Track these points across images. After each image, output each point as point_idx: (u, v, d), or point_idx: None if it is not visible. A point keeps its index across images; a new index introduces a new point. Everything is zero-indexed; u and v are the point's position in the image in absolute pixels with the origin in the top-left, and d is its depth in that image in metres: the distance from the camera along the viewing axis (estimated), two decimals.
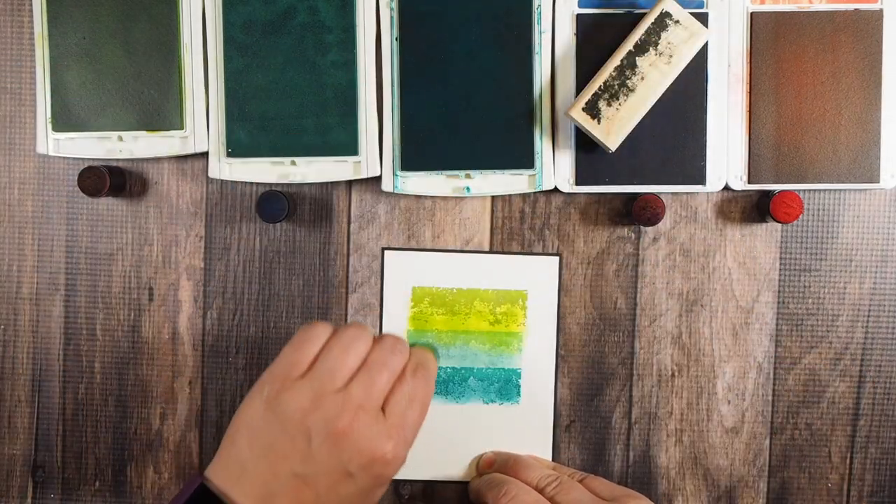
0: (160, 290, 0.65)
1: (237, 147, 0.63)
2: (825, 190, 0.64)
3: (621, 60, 0.59)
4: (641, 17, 0.61)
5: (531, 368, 0.65)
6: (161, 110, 0.63)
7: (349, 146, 0.62)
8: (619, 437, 0.65)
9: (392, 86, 0.62)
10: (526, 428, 0.65)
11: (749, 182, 0.62)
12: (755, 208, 0.64)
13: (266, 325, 0.65)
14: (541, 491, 0.60)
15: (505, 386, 0.65)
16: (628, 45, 0.59)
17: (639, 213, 0.60)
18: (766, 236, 0.64)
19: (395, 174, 0.63)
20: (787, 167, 0.62)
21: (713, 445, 0.65)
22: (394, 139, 0.62)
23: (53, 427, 0.66)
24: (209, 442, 0.65)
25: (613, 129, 0.59)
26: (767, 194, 0.62)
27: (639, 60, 0.59)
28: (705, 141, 0.62)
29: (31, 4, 0.64)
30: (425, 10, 0.62)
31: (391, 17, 0.62)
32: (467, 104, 0.62)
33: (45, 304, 0.65)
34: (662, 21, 0.58)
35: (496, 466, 0.64)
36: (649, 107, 0.60)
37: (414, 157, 0.62)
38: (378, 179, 0.63)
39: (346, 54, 0.62)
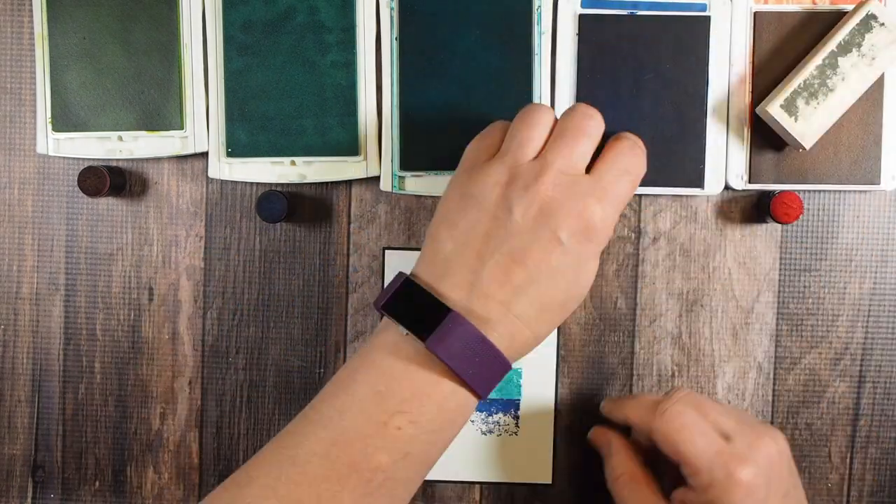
0: (160, 290, 0.65)
1: (237, 147, 0.63)
2: (825, 191, 0.64)
3: (823, 60, 0.58)
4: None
5: (532, 368, 0.65)
6: (161, 110, 0.63)
7: (349, 146, 0.62)
8: None
9: (392, 86, 0.62)
10: (526, 428, 0.65)
11: (750, 182, 0.62)
12: (755, 208, 0.64)
13: (266, 325, 0.65)
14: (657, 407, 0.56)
15: (506, 385, 0.65)
16: (831, 45, 0.59)
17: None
18: (766, 236, 0.64)
19: (394, 174, 0.63)
20: (788, 167, 0.62)
21: None
22: (393, 139, 0.62)
23: (53, 427, 0.66)
24: (209, 442, 0.65)
25: (810, 129, 0.58)
26: (768, 194, 0.62)
27: (841, 61, 0.58)
28: (704, 144, 0.62)
29: (31, 4, 0.64)
30: (425, 10, 0.62)
31: (391, 17, 0.62)
32: (467, 104, 0.62)
33: (45, 304, 0.65)
34: (868, 23, 0.58)
35: (609, 407, 0.61)
36: (847, 108, 0.59)
37: (413, 156, 0.62)
38: (378, 179, 0.63)
39: (346, 54, 0.62)
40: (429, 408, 0.50)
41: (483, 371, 0.50)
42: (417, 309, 0.50)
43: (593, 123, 0.52)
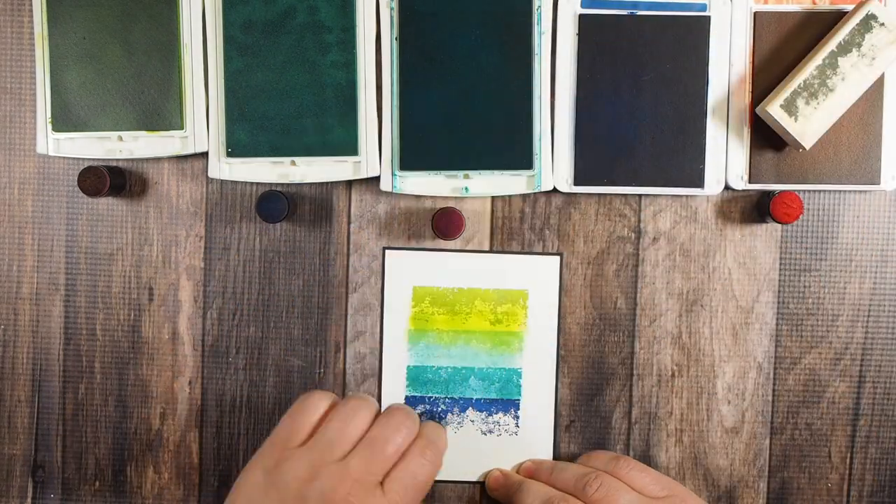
0: (160, 290, 0.65)
1: (237, 147, 0.63)
2: (825, 191, 0.64)
3: (823, 60, 0.59)
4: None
5: (532, 368, 0.65)
6: (161, 110, 0.63)
7: (349, 146, 0.62)
8: (619, 437, 0.65)
9: (392, 86, 0.62)
10: (526, 428, 0.65)
11: (750, 182, 0.63)
12: (755, 208, 0.64)
13: (266, 325, 0.65)
14: (582, 492, 0.59)
15: (506, 385, 0.65)
16: (831, 45, 0.59)
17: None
18: (766, 236, 0.64)
19: (393, 174, 0.63)
20: (788, 167, 0.62)
21: (713, 445, 0.65)
22: (393, 139, 0.62)
23: (53, 427, 0.66)
24: (209, 442, 0.65)
25: (810, 128, 0.59)
26: (768, 194, 0.62)
27: (841, 61, 0.58)
28: (704, 144, 0.62)
29: (31, 4, 0.64)
30: (425, 10, 0.62)
31: (391, 17, 0.62)
32: (467, 104, 0.62)
33: (45, 304, 0.65)
34: (868, 23, 0.58)
35: (526, 473, 0.64)
36: (847, 108, 0.59)
37: (413, 156, 0.62)
38: (378, 179, 0.63)
39: (346, 54, 0.62)
40: None
41: None
42: None
43: (403, 434, 0.56)
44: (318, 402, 0.57)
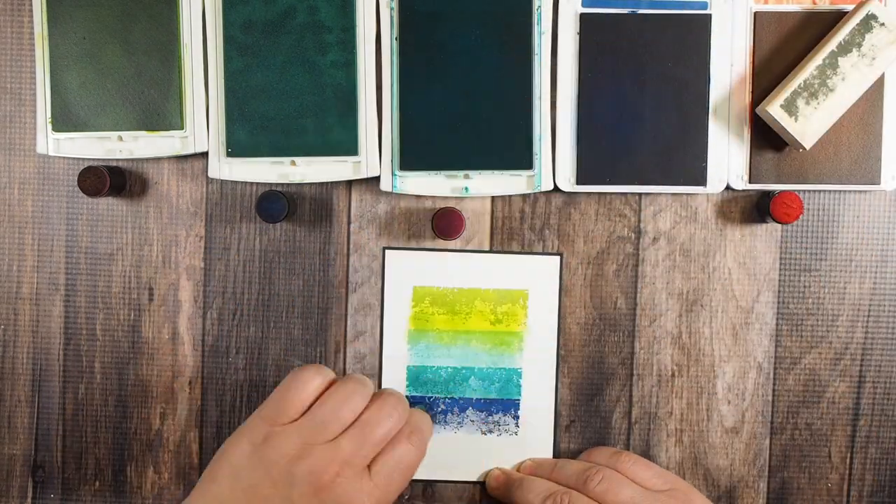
0: (160, 290, 0.65)
1: (237, 147, 0.63)
2: (825, 191, 0.64)
3: (823, 60, 0.59)
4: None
5: (532, 368, 0.65)
6: (161, 110, 0.63)
7: (349, 146, 0.62)
8: (619, 437, 0.65)
9: (392, 86, 0.62)
10: (526, 428, 0.65)
11: (750, 182, 0.63)
12: (755, 208, 0.64)
13: (266, 325, 0.65)
14: (584, 486, 0.60)
15: (506, 385, 0.65)
16: (831, 45, 0.59)
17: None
18: (766, 236, 0.64)
19: (393, 174, 0.63)
20: (788, 167, 0.62)
21: (713, 445, 0.65)
22: (393, 139, 0.62)
23: (53, 427, 0.66)
24: (209, 442, 0.65)
25: (810, 128, 0.59)
26: (768, 194, 0.62)
27: (841, 61, 0.58)
28: (707, 142, 0.62)
29: (31, 4, 0.64)
30: (425, 10, 0.62)
31: (391, 17, 0.62)
32: (467, 104, 0.62)
33: (45, 304, 0.65)
34: (868, 23, 0.58)
35: (527, 472, 0.64)
36: (847, 108, 0.59)
37: (413, 156, 0.62)
38: (378, 179, 0.63)
39: (346, 54, 0.62)
40: None
41: None
42: None
43: (395, 419, 0.56)
44: (311, 379, 0.56)
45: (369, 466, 0.55)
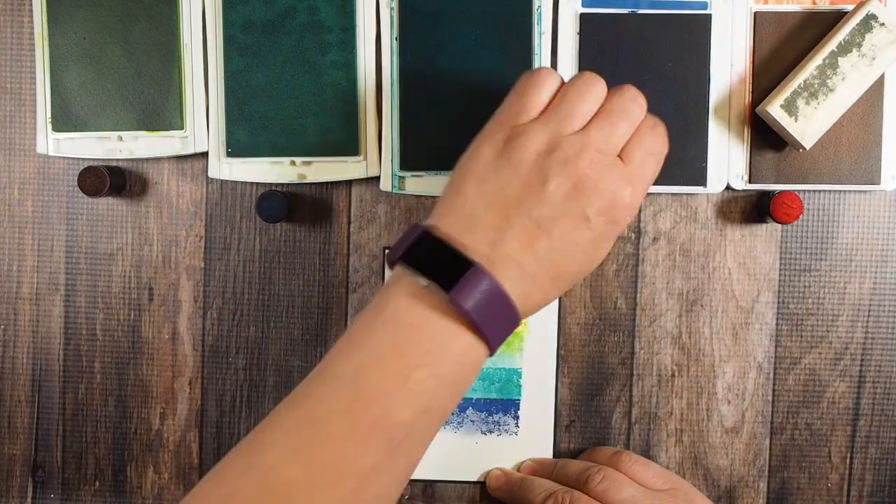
0: (160, 290, 0.65)
1: (237, 147, 0.63)
2: (825, 191, 0.64)
3: (823, 60, 0.59)
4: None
5: (532, 368, 0.65)
6: (161, 110, 0.63)
7: (349, 146, 0.62)
8: (619, 437, 0.65)
9: (392, 86, 0.62)
10: (526, 428, 0.65)
11: (750, 182, 0.63)
12: (755, 208, 0.64)
13: (266, 325, 0.65)
14: (584, 485, 0.60)
15: (506, 385, 0.65)
16: (831, 45, 0.59)
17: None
18: (766, 236, 0.64)
19: (394, 174, 0.63)
20: (788, 167, 0.62)
21: (713, 445, 0.65)
22: (393, 139, 0.62)
23: (53, 427, 0.66)
24: (209, 442, 0.65)
25: (810, 128, 0.59)
26: (768, 194, 0.62)
27: (841, 61, 0.58)
28: (707, 142, 0.62)
29: (31, 4, 0.64)
30: (425, 10, 0.62)
31: (391, 17, 0.62)
32: (467, 104, 0.62)
33: (45, 304, 0.65)
34: (868, 23, 0.58)
35: (527, 472, 0.64)
36: (847, 108, 0.60)
37: (413, 157, 0.62)
38: (378, 179, 0.63)
39: (346, 54, 0.62)
40: (449, 360, 0.49)
41: (499, 326, 0.50)
42: (438, 261, 0.49)
43: (637, 109, 0.53)
44: (547, 78, 0.53)
45: (620, 155, 0.53)
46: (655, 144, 0.53)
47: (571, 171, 0.50)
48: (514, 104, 0.53)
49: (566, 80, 0.54)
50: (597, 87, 0.53)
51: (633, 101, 0.53)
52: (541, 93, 0.53)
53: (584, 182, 0.50)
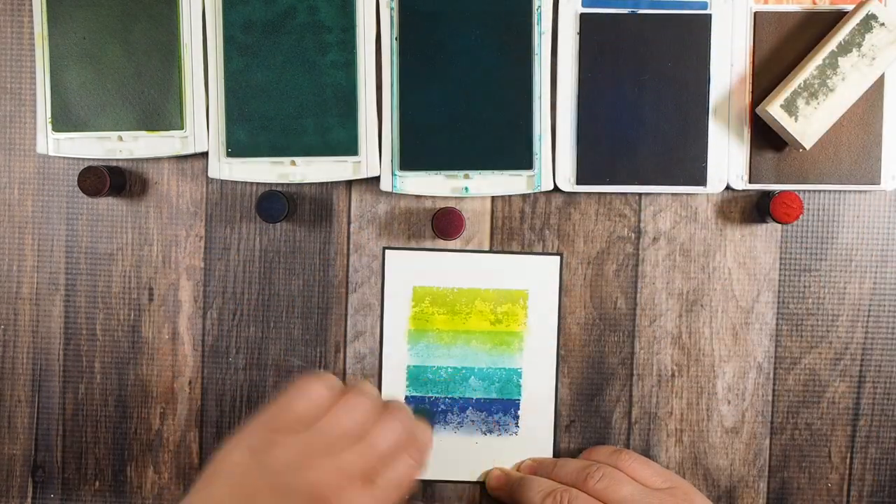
0: (160, 290, 0.65)
1: (237, 147, 0.63)
2: (825, 191, 0.64)
3: (823, 60, 0.59)
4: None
5: (532, 368, 0.65)
6: (161, 110, 0.63)
7: (349, 146, 0.62)
8: (619, 437, 0.65)
9: (392, 86, 0.62)
10: (526, 428, 0.65)
11: (750, 182, 0.63)
12: (755, 208, 0.64)
13: (266, 325, 0.65)
14: (584, 483, 0.60)
15: (506, 385, 0.65)
16: (831, 45, 0.59)
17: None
18: (766, 236, 0.64)
19: (393, 174, 0.63)
20: (788, 167, 0.62)
21: (713, 445, 0.65)
22: (393, 139, 0.62)
23: (53, 427, 0.66)
24: (209, 442, 0.65)
25: (810, 128, 0.59)
26: (768, 194, 0.62)
27: (841, 61, 0.58)
28: (707, 142, 0.62)
29: (31, 4, 0.64)
30: (425, 10, 0.62)
31: (391, 17, 0.62)
32: (467, 104, 0.62)
33: (45, 304, 0.65)
34: (868, 23, 0.58)
35: (527, 471, 0.64)
36: (847, 108, 0.60)
37: (413, 156, 0.62)
38: (378, 179, 0.63)
39: (346, 54, 0.62)
40: None
41: None
42: None
43: (397, 435, 0.54)
44: (317, 390, 0.55)
45: (370, 479, 0.55)
46: (408, 473, 0.55)
47: (317, 493, 0.51)
48: (280, 410, 0.54)
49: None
50: (361, 409, 0.54)
51: (394, 429, 0.54)
52: (307, 403, 0.54)
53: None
